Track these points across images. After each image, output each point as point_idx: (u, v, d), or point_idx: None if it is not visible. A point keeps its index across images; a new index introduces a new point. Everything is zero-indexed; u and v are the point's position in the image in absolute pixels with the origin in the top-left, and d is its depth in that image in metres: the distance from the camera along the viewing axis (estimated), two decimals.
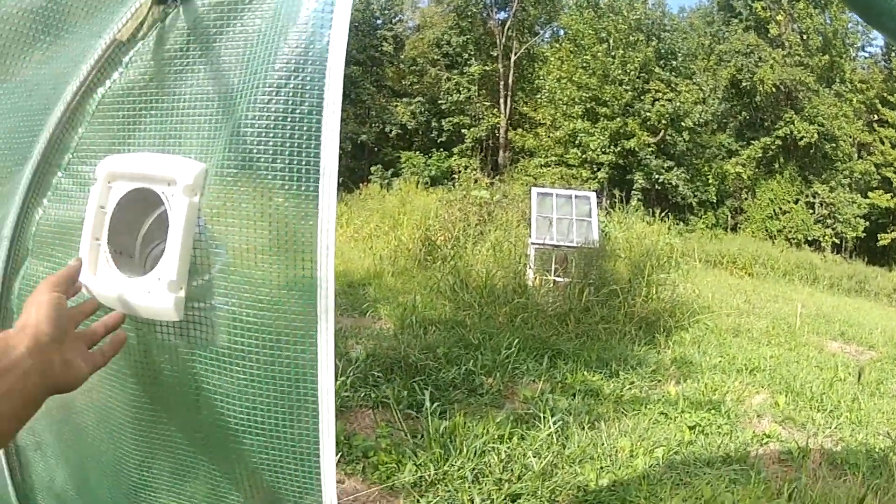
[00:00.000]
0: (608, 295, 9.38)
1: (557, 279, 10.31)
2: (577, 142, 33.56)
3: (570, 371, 7.02)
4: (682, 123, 32.32)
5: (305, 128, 1.15)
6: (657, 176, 32.63)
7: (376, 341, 7.30)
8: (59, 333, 1.13)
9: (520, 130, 37.20)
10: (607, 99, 32.94)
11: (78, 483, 1.71)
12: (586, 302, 9.11)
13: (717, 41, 36.11)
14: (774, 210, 33.69)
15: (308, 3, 1.15)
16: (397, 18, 41.48)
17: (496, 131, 38.18)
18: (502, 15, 38.90)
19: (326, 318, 1.17)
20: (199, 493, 1.50)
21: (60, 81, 1.41)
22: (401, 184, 27.51)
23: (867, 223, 32.96)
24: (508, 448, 4.97)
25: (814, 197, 33.70)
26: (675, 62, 33.93)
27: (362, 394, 5.89)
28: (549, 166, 34.15)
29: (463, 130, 37.26)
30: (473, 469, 4.67)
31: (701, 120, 32.83)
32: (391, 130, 38.20)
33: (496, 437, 5.12)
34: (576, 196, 12.33)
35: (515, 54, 38.14)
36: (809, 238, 32.51)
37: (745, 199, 34.98)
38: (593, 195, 12.45)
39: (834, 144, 33.49)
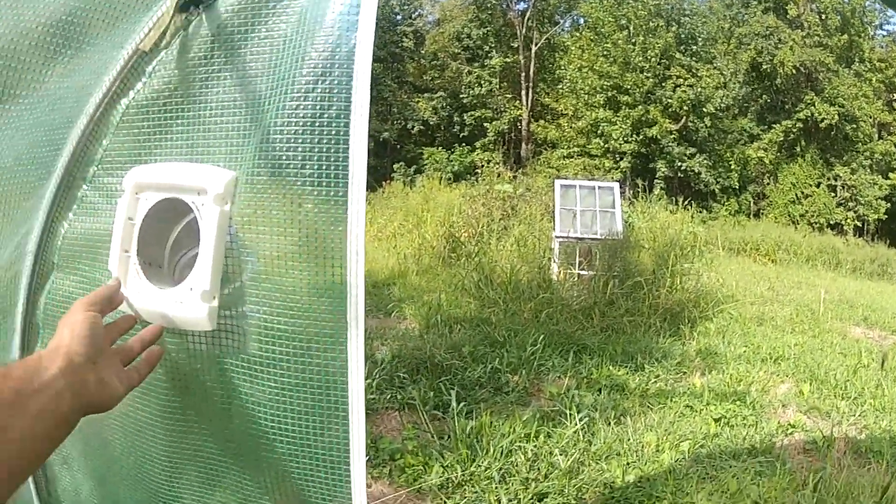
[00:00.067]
0: (633, 287, 9.32)
1: (582, 272, 10.28)
2: (599, 131, 33.41)
3: (595, 366, 6.99)
4: (704, 109, 32.11)
5: (333, 132, 1.14)
6: (679, 163, 32.45)
7: (402, 342, 7.30)
8: (94, 353, 1.10)
9: (542, 122, 37.04)
10: (629, 87, 32.78)
11: (104, 495, 1.71)
12: (611, 295, 9.06)
13: (737, 24, 35.78)
14: (796, 194, 33.42)
15: (333, 7, 1.14)
16: (417, 13, 41.43)
17: (518, 124, 38.05)
18: (522, 5, 38.77)
19: (356, 325, 1.16)
20: (228, 502, 1.49)
21: (83, 94, 1.41)
22: (424, 180, 27.37)
23: (888, 205, 32.62)
24: (535, 446, 4.94)
25: (835, 180, 33.40)
26: (695, 47, 33.68)
27: (388, 396, 5.88)
28: (572, 157, 34.03)
29: (485, 124, 37.14)
30: (500, 469, 4.64)
31: (722, 105, 32.60)
32: (413, 127, 38.16)
33: (523, 435, 5.09)
34: (599, 187, 12.30)
35: (536, 45, 37.97)
36: (832, 222, 32.23)
37: (768, 184, 34.72)
38: (616, 185, 12.42)
39: (854, 125, 33.16)
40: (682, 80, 32.22)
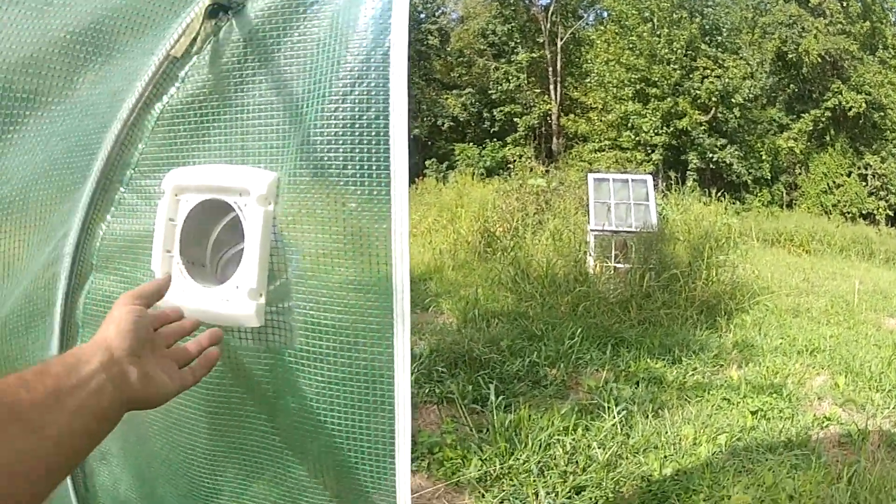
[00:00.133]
0: (669, 279, 9.27)
1: (618, 265, 10.24)
2: (629, 124, 33.13)
3: (633, 359, 6.96)
4: (732, 100, 31.74)
5: (374, 132, 1.17)
6: (711, 155, 32.11)
7: (439, 336, 7.30)
8: (136, 346, 1.08)
9: (572, 116, 36.78)
10: (656, 79, 32.48)
11: (144, 490, 1.74)
12: (647, 287, 9.02)
13: (760, 13, 35.25)
14: (828, 184, 32.96)
15: (365, 11, 1.16)
16: (440, 11, 41.30)
17: (548, 118, 37.85)
18: (544, 0, 38.68)
19: (402, 321, 1.18)
20: (271, 495, 1.52)
21: (116, 100, 1.44)
22: (456, 176, 27.33)
23: None
24: (573, 440, 4.93)
25: (866, 168, 32.85)
26: (720, 37, 33.25)
27: (427, 390, 5.89)
28: (603, 151, 33.80)
29: (515, 119, 36.94)
30: (538, 462, 4.64)
31: (750, 95, 32.19)
32: (443, 123, 38.08)
33: (561, 428, 5.08)
34: (632, 180, 12.22)
35: (561, 39, 37.75)
36: (864, 211, 31.74)
37: (799, 174, 34.26)
38: (649, 178, 12.32)
39: (882, 113, 32.52)
40: (709, 71, 31.88)
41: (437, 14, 40.73)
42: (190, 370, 1.21)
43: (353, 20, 1.17)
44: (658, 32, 32.40)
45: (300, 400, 1.36)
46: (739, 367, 7.08)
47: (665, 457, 4.87)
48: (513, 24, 37.85)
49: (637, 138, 32.86)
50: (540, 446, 4.82)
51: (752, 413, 5.69)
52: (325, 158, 1.21)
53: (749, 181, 32.92)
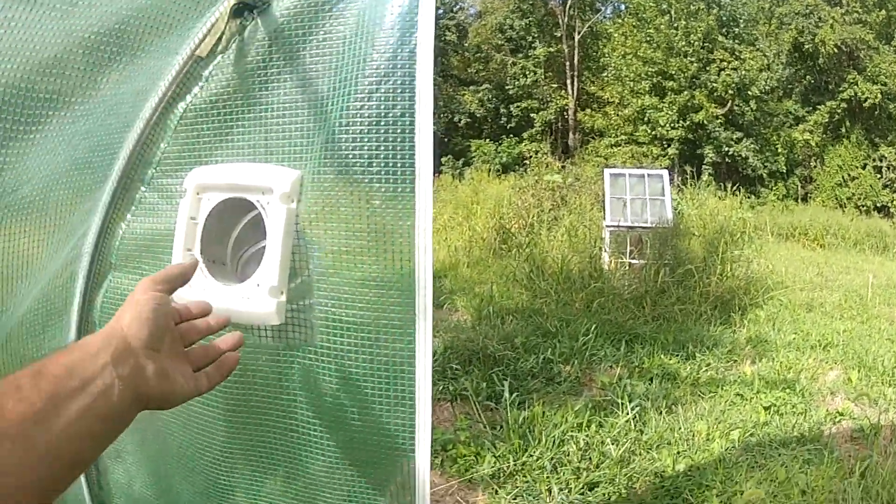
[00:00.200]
0: (683, 275, 9.25)
1: (633, 261, 10.22)
2: (645, 118, 33.02)
3: (647, 355, 6.97)
4: (749, 92, 31.55)
5: (399, 130, 1.17)
6: (727, 148, 31.94)
7: (454, 333, 7.30)
8: (156, 338, 0.98)
9: (588, 111, 36.65)
10: (673, 72, 32.32)
11: (159, 488, 1.74)
12: (662, 283, 9.00)
13: (777, 4, 35.05)
14: (843, 177, 32.75)
15: (392, 8, 1.17)
16: (458, 7, 41.24)
17: (565, 113, 37.75)
18: None
19: (425, 316, 1.19)
20: (288, 492, 1.53)
21: (139, 99, 1.45)
22: (472, 173, 27.27)
23: None
24: (587, 436, 4.95)
25: (881, 161, 32.70)
26: (737, 29, 33.06)
27: (440, 387, 5.91)
28: (620, 145, 33.69)
29: (532, 115, 36.84)
30: (552, 458, 4.66)
31: (767, 87, 31.98)
32: (460, 120, 38.03)
33: (574, 425, 5.10)
34: (648, 175, 12.18)
35: (579, 33, 37.62)
36: (878, 204, 31.60)
37: (815, 166, 34.12)
38: (665, 173, 12.28)
39: None
40: (725, 63, 31.72)
41: (454, 10, 40.69)
42: (205, 375, 1.11)
43: (379, 18, 1.18)
44: (675, 24, 32.26)
45: (320, 396, 1.37)
46: (753, 362, 7.07)
47: (678, 453, 4.88)
48: (530, 19, 37.75)
49: (653, 133, 32.75)
50: (553, 443, 4.84)
51: (766, 408, 5.69)
52: (350, 156, 1.22)
53: (764, 174, 32.78)
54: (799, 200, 32.44)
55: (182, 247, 1.39)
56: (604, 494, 4.33)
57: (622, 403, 5.39)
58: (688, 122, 32.05)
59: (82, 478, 1.81)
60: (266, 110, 1.35)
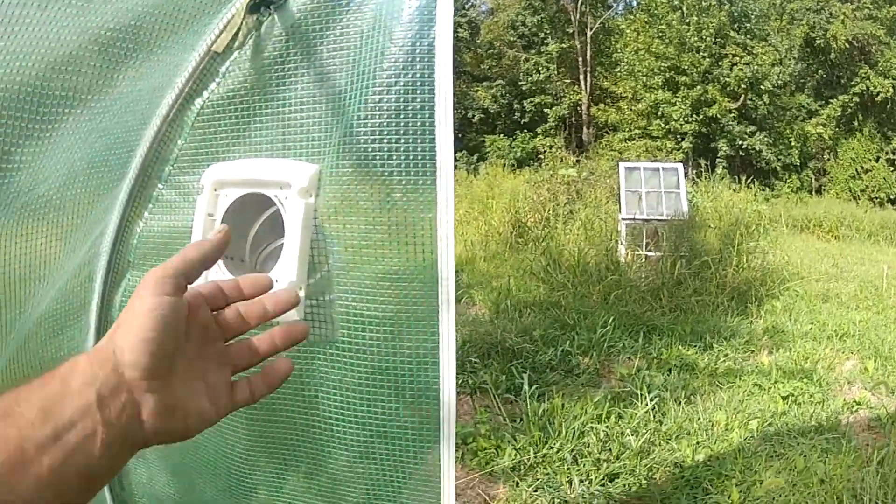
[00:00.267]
0: (700, 267, 9.26)
1: (649, 254, 10.20)
2: (659, 113, 33.07)
3: (665, 346, 6.96)
4: (762, 87, 31.60)
5: (419, 123, 1.17)
6: (740, 142, 31.98)
7: (472, 327, 7.30)
8: (160, 364, 0.76)
9: (602, 105, 36.70)
10: (686, 67, 32.35)
11: (181, 486, 1.74)
12: (678, 275, 9.00)
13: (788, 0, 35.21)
14: (856, 169, 32.76)
15: (410, 2, 1.17)
16: (470, 4, 41.30)
17: (578, 108, 37.77)
18: None
19: (448, 308, 1.19)
20: (312, 488, 1.53)
21: (156, 96, 1.44)
22: (487, 168, 27.25)
23: None
24: (606, 427, 4.94)
25: (893, 153, 32.67)
26: (748, 24, 33.08)
27: (460, 381, 5.88)
28: (634, 140, 33.76)
29: (545, 110, 36.92)
30: (572, 450, 4.65)
31: (779, 82, 32.01)
32: (474, 115, 38.09)
33: (594, 416, 5.09)
34: (663, 168, 12.16)
35: (591, 29, 37.62)
36: (892, 196, 31.51)
37: (828, 159, 34.09)
38: (680, 166, 12.25)
39: None
40: (738, 58, 31.73)
41: (466, 7, 40.73)
42: (249, 385, 0.88)
43: (397, 11, 1.18)
44: (687, 20, 32.29)
45: (342, 391, 1.36)
46: (770, 352, 7.06)
47: (697, 443, 4.89)
48: (542, 15, 37.79)
49: (667, 127, 32.77)
50: (573, 434, 4.84)
51: (783, 398, 5.69)
52: (369, 150, 1.21)
53: (778, 167, 32.78)
54: (813, 193, 32.43)
55: None
56: (624, 485, 4.32)
57: (641, 395, 5.39)
58: (701, 117, 32.08)
59: None
60: (283, 105, 1.34)
